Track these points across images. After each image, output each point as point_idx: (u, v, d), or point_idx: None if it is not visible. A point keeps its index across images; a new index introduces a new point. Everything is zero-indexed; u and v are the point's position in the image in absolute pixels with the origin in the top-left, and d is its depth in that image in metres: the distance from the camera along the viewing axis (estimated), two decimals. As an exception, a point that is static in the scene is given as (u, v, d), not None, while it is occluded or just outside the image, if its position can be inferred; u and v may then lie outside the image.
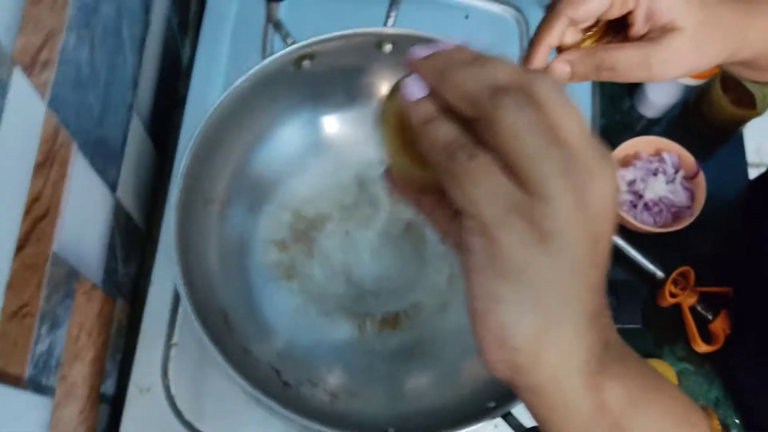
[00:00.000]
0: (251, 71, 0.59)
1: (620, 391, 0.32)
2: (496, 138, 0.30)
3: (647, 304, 0.94)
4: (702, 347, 0.91)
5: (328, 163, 0.69)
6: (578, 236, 0.30)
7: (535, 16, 0.85)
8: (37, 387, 0.50)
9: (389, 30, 0.62)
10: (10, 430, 0.46)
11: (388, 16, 0.64)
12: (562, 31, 0.45)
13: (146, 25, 0.69)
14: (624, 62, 0.45)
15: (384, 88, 0.68)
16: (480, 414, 0.54)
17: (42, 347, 0.50)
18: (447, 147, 0.31)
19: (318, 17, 0.77)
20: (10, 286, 0.44)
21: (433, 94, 0.33)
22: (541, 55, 0.46)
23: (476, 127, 0.31)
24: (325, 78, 0.65)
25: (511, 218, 0.30)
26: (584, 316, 0.31)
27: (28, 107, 0.46)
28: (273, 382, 0.60)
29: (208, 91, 0.74)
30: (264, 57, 0.60)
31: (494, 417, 0.53)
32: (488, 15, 0.84)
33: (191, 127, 0.58)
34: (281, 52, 0.60)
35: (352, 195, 0.69)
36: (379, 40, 0.63)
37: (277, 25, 0.61)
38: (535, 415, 0.33)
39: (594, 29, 0.47)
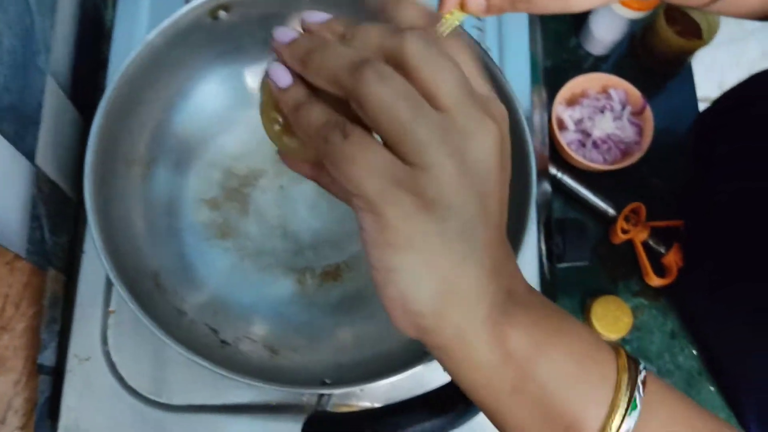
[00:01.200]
0: (163, 25, 0.57)
1: (524, 337, 0.32)
2: (366, 113, 0.30)
3: (600, 242, 0.95)
4: (655, 281, 0.91)
5: (257, 117, 0.67)
6: (463, 199, 0.30)
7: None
8: (-44, 361, 0.48)
9: (306, -27, 0.60)
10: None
11: (305, -42, 0.61)
12: None
13: (55, -15, 0.66)
14: None
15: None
16: (419, 357, 0.54)
17: (-43, 321, 0.49)
18: (320, 131, 0.31)
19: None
20: None
21: (302, 78, 0.33)
22: None
23: (351, 105, 0.31)
24: (244, 28, 0.63)
25: (393, 191, 0.30)
26: (482, 272, 0.32)
27: None
28: (211, 341, 0.59)
29: (130, 50, 0.72)
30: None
31: (431, 360, 0.53)
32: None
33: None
34: (193, 3, 0.58)
35: (283, 148, 0.68)
36: (298, -15, 0.61)
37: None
38: (446, 369, 0.34)
39: None
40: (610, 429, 0.31)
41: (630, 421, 0.32)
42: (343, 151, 0.30)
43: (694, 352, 0.91)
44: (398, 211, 0.30)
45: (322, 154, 0.32)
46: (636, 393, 0.32)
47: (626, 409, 0.32)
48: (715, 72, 1.42)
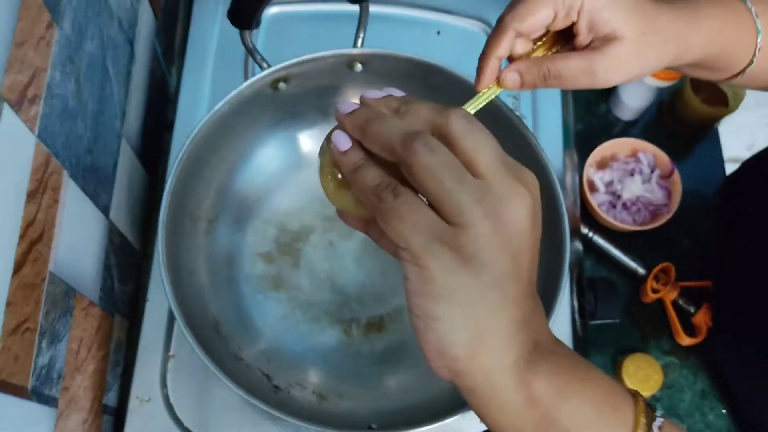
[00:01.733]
0: (230, 95, 0.63)
1: (548, 384, 0.36)
2: (415, 178, 0.35)
3: (630, 301, 0.98)
4: (686, 340, 0.94)
5: (308, 177, 0.73)
6: (498, 255, 0.35)
7: (505, 28, 0.89)
8: (41, 397, 0.53)
9: (358, 51, 0.66)
10: (16, 438, 0.50)
11: (357, 37, 0.67)
12: (510, 43, 0.49)
13: (131, 57, 0.73)
14: (569, 71, 0.49)
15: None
16: (456, 408, 0.57)
17: (43, 360, 0.54)
18: (374, 189, 0.37)
19: (293, 42, 0.82)
20: (10, 304, 0.48)
21: (359, 144, 0.39)
22: (491, 66, 0.49)
23: (401, 171, 0.36)
24: (300, 98, 0.69)
25: (436, 247, 0.34)
26: (511, 323, 0.36)
27: (19, 140, 0.50)
28: (264, 386, 0.63)
29: (194, 115, 0.78)
30: (244, 82, 0.64)
31: (469, 410, 0.56)
32: (459, 30, 0.88)
33: (178, 150, 0.62)
34: (257, 75, 0.64)
35: (333, 207, 0.73)
36: (349, 60, 0.67)
37: (252, 51, 0.65)
38: (475, 410, 0.37)
39: (543, 39, 0.51)
40: None
41: None
42: (393, 208, 0.35)
43: (724, 411, 0.92)
44: (439, 264, 0.34)
45: (374, 210, 0.37)
46: None
47: None
48: (744, 134, 1.45)
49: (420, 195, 0.36)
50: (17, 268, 0.49)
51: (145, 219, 0.78)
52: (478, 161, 0.35)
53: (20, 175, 0.50)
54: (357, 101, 0.41)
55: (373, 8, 0.68)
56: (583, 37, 0.49)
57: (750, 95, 1.02)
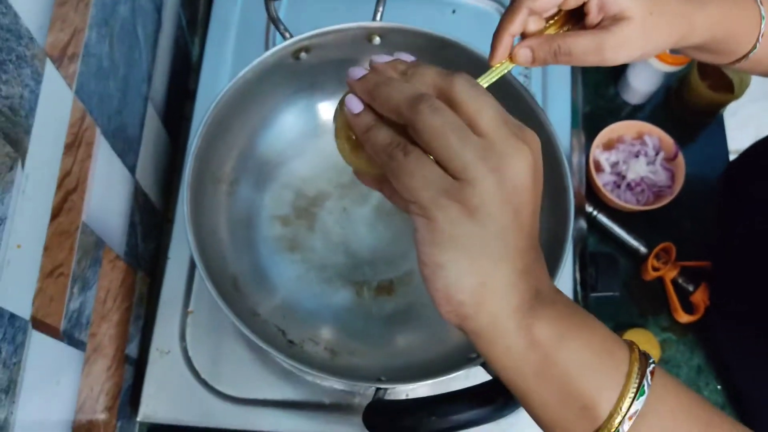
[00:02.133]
0: (254, 63, 0.66)
1: (548, 328, 0.38)
2: (422, 138, 0.38)
3: (631, 278, 1.00)
4: (684, 317, 0.97)
5: (326, 145, 0.76)
6: (501, 208, 0.38)
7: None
8: (71, 340, 0.57)
9: (377, 24, 0.68)
10: (52, 375, 0.53)
11: (376, 11, 0.70)
12: (523, 21, 0.51)
13: (158, 24, 0.76)
14: (579, 48, 0.51)
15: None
16: (463, 363, 0.60)
17: (74, 305, 0.57)
18: (386, 149, 0.39)
19: (314, 13, 0.85)
20: (47, 248, 0.51)
21: (370, 107, 0.41)
22: (505, 42, 0.52)
23: (408, 131, 0.39)
24: (320, 68, 0.71)
25: (443, 200, 0.37)
26: (514, 271, 0.39)
27: (59, 95, 0.53)
28: (279, 340, 0.67)
29: (216, 84, 0.82)
30: (265, 52, 0.67)
31: (474, 366, 0.60)
32: (474, 9, 0.91)
33: (201, 117, 0.65)
34: (280, 45, 0.67)
35: (348, 175, 0.76)
36: (368, 33, 0.69)
37: (276, 21, 0.68)
38: (480, 352, 0.40)
39: (555, 18, 0.53)
40: (620, 410, 0.37)
41: (638, 405, 0.37)
42: (403, 165, 0.38)
43: (719, 386, 0.95)
44: (446, 216, 0.37)
45: (386, 168, 0.39)
46: (645, 381, 0.38)
47: (635, 394, 0.38)
48: (750, 127, 1.47)
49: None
50: (54, 215, 0.52)
51: (166, 182, 0.82)
52: (480, 121, 0.38)
53: (59, 128, 0.53)
54: (368, 65, 0.44)
55: (391, -16, 0.71)
56: (593, 16, 0.51)
57: (757, 85, 1.04)
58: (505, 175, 0.37)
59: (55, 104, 0.52)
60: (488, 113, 0.38)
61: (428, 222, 0.38)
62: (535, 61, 0.52)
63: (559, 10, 0.53)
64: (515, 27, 0.51)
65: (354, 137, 0.43)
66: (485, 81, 0.49)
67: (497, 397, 0.53)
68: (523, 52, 0.52)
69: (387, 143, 0.39)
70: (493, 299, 0.38)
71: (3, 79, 0.44)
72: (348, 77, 0.43)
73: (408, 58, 0.44)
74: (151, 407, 0.71)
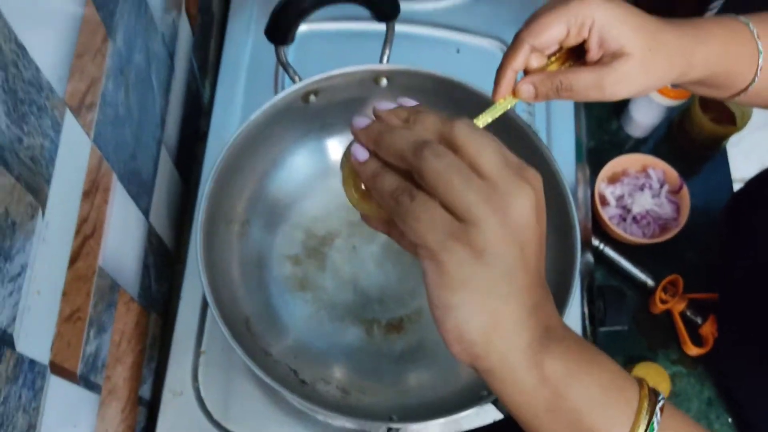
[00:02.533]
0: (265, 106, 0.67)
1: (559, 365, 0.39)
2: (427, 183, 0.39)
3: (639, 311, 1.01)
4: (693, 350, 0.97)
5: (335, 185, 0.77)
6: (506, 248, 0.38)
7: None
8: (87, 383, 0.57)
9: (384, 67, 0.70)
10: (69, 419, 0.54)
11: (383, 54, 0.72)
12: (525, 57, 0.53)
13: (171, 69, 0.78)
14: (580, 84, 0.53)
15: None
16: (474, 401, 0.61)
17: (91, 349, 0.58)
18: (392, 194, 0.41)
19: (321, 56, 0.87)
20: (65, 294, 0.52)
21: (375, 154, 0.42)
22: (508, 77, 0.53)
23: (413, 176, 0.40)
24: (329, 110, 0.73)
25: (450, 243, 0.38)
26: (523, 309, 0.40)
27: (77, 143, 0.54)
28: (291, 380, 0.67)
29: (227, 126, 0.83)
30: (275, 95, 0.68)
31: (486, 403, 0.60)
32: (477, 49, 0.93)
33: (212, 158, 0.66)
34: (290, 88, 0.68)
35: (356, 214, 0.76)
36: (375, 76, 0.71)
37: (285, 66, 0.70)
38: (492, 390, 0.41)
39: (557, 55, 0.55)
40: None
41: None
42: (410, 210, 0.39)
43: (730, 419, 0.95)
44: (454, 258, 0.38)
45: (393, 213, 0.40)
46: (654, 418, 0.39)
47: (645, 431, 0.38)
48: (755, 154, 1.48)
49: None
50: (72, 260, 0.53)
51: (178, 224, 0.83)
52: (482, 163, 0.39)
53: (77, 175, 0.54)
54: (370, 112, 0.45)
55: (397, 27, 0.73)
56: (593, 53, 0.53)
57: (759, 115, 1.05)
58: (508, 215, 0.38)
59: (73, 152, 0.53)
60: (489, 155, 0.39)
61: (437, 265, 0.38)
62: (537, 96, 0.54)
63: (561, 47, 0.54)
64: (518, 63, 0.52)
65: (361, 184, 0.45)
66: (489, 116, 0.50)
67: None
68: (526, 88, 0.53)
69: (393, 189, 0.40)
70: (503, 337, 0.39)
71: (25, 130, 0.45)
72: (353, 127, 0.44)
73: (410, 103, 0.45)
74: (165, 448, 0.71)
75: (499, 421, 0.53)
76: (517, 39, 0.52)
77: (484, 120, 0.50)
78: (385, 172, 0.41)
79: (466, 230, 0.38)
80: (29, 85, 0.46)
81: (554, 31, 0.51)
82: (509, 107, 0.53)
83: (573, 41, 0.53)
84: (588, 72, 0.53)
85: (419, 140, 0.40)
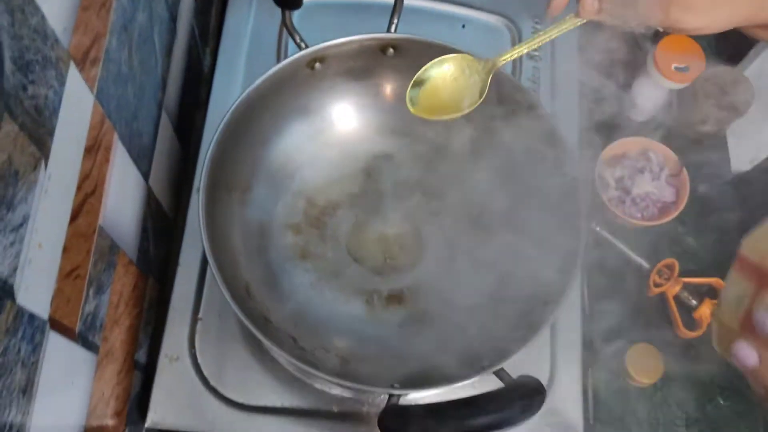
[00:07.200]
0: (270, 71, 0.67)
1: None
2: None
3: (636, 293, 1.01)
4: (685, 333, 0.97)
5: (338, 155, 0.77)
6: None
7: (526, 25, 0.93)
8: (86, 342, 0.57)
9: (392, 36, 0.69)
10: (67, 377, 0.53)
11: (390, 23, 0.71)
12: None
13: (174, 33, 0.77)
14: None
15: (388, 88, 0.76)
16: (469, 373, 0.60)
17: (89, 308, 0.57)
18: None
19: (327, 25, 0.85)
20: (66, 250, 0.51)
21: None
22: None
23: None
24: (334, 78, 0.72)
25: None
26: None
27: (81, 97, 0.53)
28: (290, 346, 0.66)
29: (228, 94, 0.82)
30: (278, 62, 0.67)
31: (487, 373, 0.60)
32: (483, 24, 0.92)
33: (213, 126, 0.65)
34: (296, 54, 0.67)
35: (359, 184, 0.77)
36: (382, 45, 0.70)
37: (291, 32, 0.69)
38: None
39: None
40: None
41: None
42: None
43: (721, 401, 0.96)
44: None
45: None
46: None
47: None
48: (754, 141, 1.48)
49: None
50: (73, 216, 0.53)
51: (177, 190, 0.82)
52: None
53: (80, 130, 0.53)
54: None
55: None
56: None
57: (760, 103, 1.05)
58: None
59: (76, 106, 0.52)
60: None
61: None
62: (601, 11, 0.52)
63: None
64: None
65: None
66: (548, 36, 0.51)
67: (515, 402, 0.53)
68: (591, 2, 0.52)
69: None
70: None
71: (29, 78, 0.44)
72: (736, 359, 0.44)
73: None
74: (160, 413, 0.70)
75: (504, 388, 0.53)
76: None
77: (549, 35, 0.51)
78: None
79: None
80: (35, 32, 0.45)
81: None
82: (568, 29, 0.53)
83: None
84: None
85: None
